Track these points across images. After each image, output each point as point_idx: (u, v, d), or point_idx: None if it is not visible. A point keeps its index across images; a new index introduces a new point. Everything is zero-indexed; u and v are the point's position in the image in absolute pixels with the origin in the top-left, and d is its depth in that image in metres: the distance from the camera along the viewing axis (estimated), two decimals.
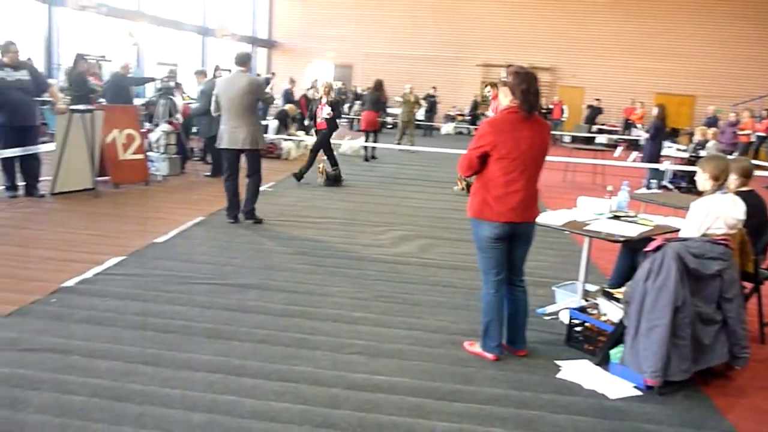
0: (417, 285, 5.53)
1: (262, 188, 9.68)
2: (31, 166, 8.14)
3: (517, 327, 4.24)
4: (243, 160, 7.43)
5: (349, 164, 13.56)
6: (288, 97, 16.56)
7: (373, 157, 14.72)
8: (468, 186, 10.44)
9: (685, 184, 12.22)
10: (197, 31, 23.81)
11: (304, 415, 3.29)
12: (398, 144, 17.01)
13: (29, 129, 8.08)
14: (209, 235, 6.79)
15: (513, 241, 4.05)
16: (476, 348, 4.22)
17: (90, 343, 3.97)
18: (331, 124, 10.97)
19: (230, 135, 7.16)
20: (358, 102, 24.38)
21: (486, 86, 11.63)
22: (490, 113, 11.35)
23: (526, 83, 3.81)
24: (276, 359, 3.93)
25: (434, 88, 23.53)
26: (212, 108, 7.29)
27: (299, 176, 10.59)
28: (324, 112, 10.82)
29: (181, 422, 3.15)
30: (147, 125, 10.59)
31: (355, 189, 10.47)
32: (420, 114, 23.82)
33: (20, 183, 8.17)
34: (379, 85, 15.35)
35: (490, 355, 4.14)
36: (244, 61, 7.29)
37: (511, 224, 3.93)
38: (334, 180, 10.67)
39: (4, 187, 8.09)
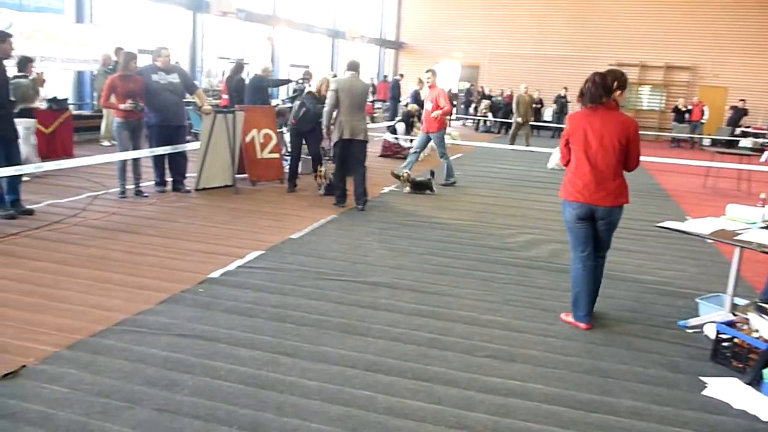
0: (548, 290, 5.42)
1: (389, 188, 9.92)
2: (178, 163, 8.72)
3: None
4: None
5: (472, 165, 13.49)
6: (416, 97, 16.69)
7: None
8: (414, 184, 9.70)
9: None
10: (328, 33, 24.54)
11: (438, 415, 3.32)
12: (512, 145, 16.77)
13: (178, 128, 8.65)
14: (341, 233, 6.98)
15: (595, 222, 4.52)
16: (570, 318, 4.70)
17: (234, 332, 4.20)
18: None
19: (352, 127, 8.03)
20: (483, 101, 24.17)
21: (426, 71, 10.71)
22: (428, 103, 10.49)
23: (587, 82, 4.40)
24: (409, 358, 3.98)
25: (565, 88, 22.92)
26: (331, 103, 7.99)
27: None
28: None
29: (320, 414, 3.26)
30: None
31: (483, 190, 10.40)
32: (548, 115, 23.32)
33: (168, 179, 8.77)
34: None
35: (582, 324, 4.61)
36: (357, 67, 8.32)
37: (585, 205, 4.45)
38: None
39: (154, 182, 8.71)
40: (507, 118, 22.95)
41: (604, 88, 4.35)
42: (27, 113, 8.93)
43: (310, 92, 9.20)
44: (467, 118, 25.53)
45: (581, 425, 3.31)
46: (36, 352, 3.75)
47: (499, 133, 22.86)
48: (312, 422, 3.18)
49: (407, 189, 9.74)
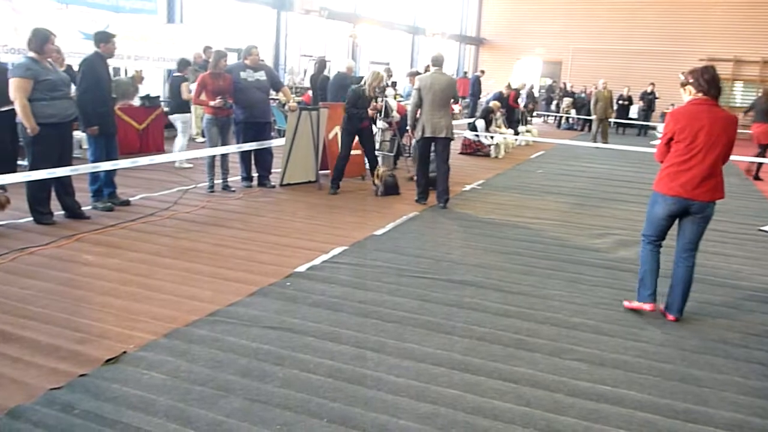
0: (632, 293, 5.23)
1: (471, 186, 9.85)
2: (264, 159, 8.93)
3: (676, 294, 4.66)
4: None
5: (555, 163, 13.22)
6: (499, 97, 16.49)
7: (757, 178, 12.57)
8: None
9: None
10: (408, 30, 24.55)
11: (527, 417, 3.26)
12: (595, 142, 16.35)
13: (264, 125, 8.85)
14: (424, 230, 6.98)
15: (686, 216, 4.55)
16: (634, 303, 4.79)
17: (321, 326, 4.26)
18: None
19: (433, 124, 7.94)
20: (566, 99, 23.66)
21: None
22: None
23: (705, 74, 4.42)
24: (496, 358, 3.93)
25: (652, 84, 22.12)
26: (414, 102, 8.01)
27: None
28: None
29: (408, 410, 3.27)
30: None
31: (566, 189, 10.17)
32: (633, 112, 22.58)
33: (254, 174, 8.99)
34: None
35: (646, 306, 4.70)
36: (440, 62, 8.25)
37: (682, 200, 4.45)
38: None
39: (241, 177, 8.95)
40: (590, 115, 22.37)
41: (719, 84, 4.47)
42: (184, 108, 9.72)
43: (361, 88, 8.70)
44: (548, 115, 25.05)
45: None
46: (135, 339, 3.92)
47: (582, 130, 22.32)
48: (401, 419, 3.18)
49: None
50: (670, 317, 4.69)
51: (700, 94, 4.45)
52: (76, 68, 7.29)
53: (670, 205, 4.52)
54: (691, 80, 4.47)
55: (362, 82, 8.81)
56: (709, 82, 4.40)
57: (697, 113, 4.41)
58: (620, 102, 21.40)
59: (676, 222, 4.67)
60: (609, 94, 17.29)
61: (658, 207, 4.61)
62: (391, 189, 8.80)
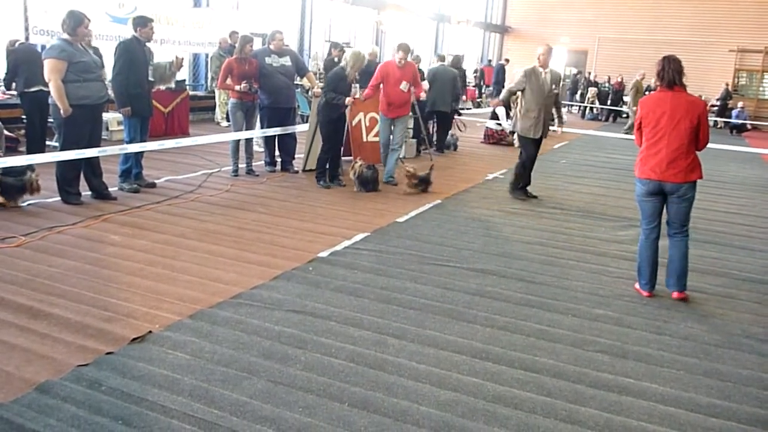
0: (663, 287, 5.16)
1: (494, 174, 9.79)
2: (288, 144, 8.97)
3: (671, 270, 4.89)
4: None
5: (580, 154, 13.12)
6: None
7: None
8: (420, 180, 8.11)
9: None
10: (433, 17, 24.40)
11: (548, 407, 3.26)
12: (627, 133, 16.19)
13: (289, 111, 8.87)
14: (446, 218, 6.97)
15: (667, 197, 4.79)
16: (636, 286, 5.07)
17: (344, 311, 4.29)
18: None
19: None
20: (591, 89, 23.39)
21: (398, 49, 8.46)
22: (403, 84, 8.50)
23: (660, 65, 4.73)
24: (517, 347, 3.93)
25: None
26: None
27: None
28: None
29: (430, 397, 3.28)
30: None
31: (591, 180, 10.11)
32: None
33: (278, 159, 9.03)
34: None
35: (644, 292, 4.97)
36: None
37: (655, 182, 4.74)
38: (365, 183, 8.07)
39: (264, 162, 8.99)
40: (615, 106, 22.12)
41: (679, 73, 4.70)
42: None
43: (344, 71, 7.90)
44: (572, 105, 24.80)
45: (700, 429, 3.17)
46: (161, 319, 3.98)
47: (606, 120, 22.08)
48: (422, 405, 3.20)
49: (409, 189, 8.10)
50: (673, 295, 4.89)
51: (661, 83, 4.78)
52: (102, 50, 7.38)
53: (645, 185, 4.82)
54: (657, 69, 4.79)
55: (343, 64, 8.01)
56: (658, 73, 4.74)
57: (661, 99, 4.73)
58: (649, 93, 21.12)
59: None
60: (645, 86, 17.10)
61: (637, 188, 4.94)
62: (368, 184, 7.99)
